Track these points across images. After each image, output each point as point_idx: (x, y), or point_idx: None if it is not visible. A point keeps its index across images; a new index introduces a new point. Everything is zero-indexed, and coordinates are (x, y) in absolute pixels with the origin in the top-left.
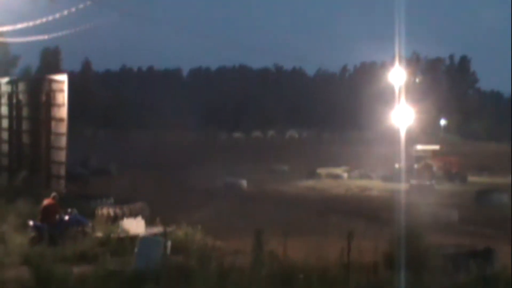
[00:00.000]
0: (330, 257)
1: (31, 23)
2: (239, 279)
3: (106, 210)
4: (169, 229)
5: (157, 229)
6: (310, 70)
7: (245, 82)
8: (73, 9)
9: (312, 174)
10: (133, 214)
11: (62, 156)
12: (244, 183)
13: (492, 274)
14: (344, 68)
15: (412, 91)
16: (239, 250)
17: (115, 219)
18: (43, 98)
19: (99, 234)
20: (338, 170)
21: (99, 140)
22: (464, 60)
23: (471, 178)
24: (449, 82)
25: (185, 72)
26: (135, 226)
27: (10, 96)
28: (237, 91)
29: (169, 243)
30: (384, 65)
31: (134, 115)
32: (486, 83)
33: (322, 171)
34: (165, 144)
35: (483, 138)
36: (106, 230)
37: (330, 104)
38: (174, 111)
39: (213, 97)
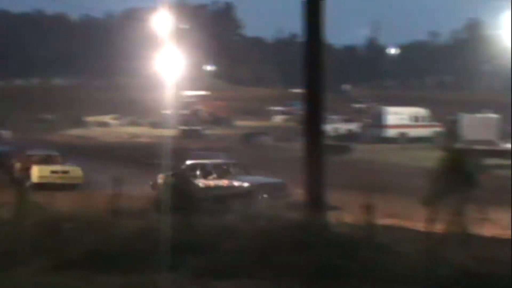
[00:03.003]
0: (99, 206)
1: None
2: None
3: None
4: None
5: None
6: (74, 16)
7: (4, 28)
8: None
9: (80, 123)
10: None
11: None
12: (6, 133)
13: (255, 212)
14: (110, 14)
15: (178, 37)
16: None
17: None
18: None
19: None
20: (106, 118)
21: None
22: (229, 7)
23: (238, 122)
24: (215, 28)
25: None
26: None
27: None
28: None
29: None
30: (150, 11)
31: None
32: (250, 29)
33: (90, 119)
34: None
35: (248, 83)
36: None
37: (97, 51)
38: None
39: None
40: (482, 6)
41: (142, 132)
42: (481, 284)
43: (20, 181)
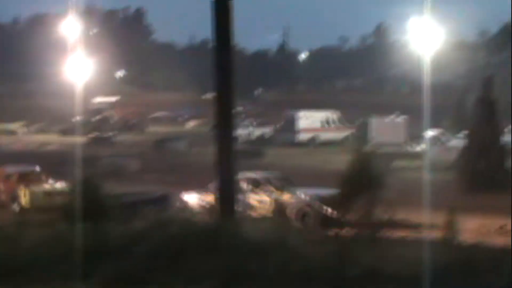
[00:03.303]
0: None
1: None
2: None
3: None
4: None
5: None
6: None
7: None
8: None
9: None
10: None
11: None
12: None
13: (167, 217)
14: (17, 19)
15: (88, 42)
16: None
17: None
18: None
19: None
20: (13, 126)
21: None
22: (140, 13)
23: (150, 128)
24: (126, 34)
25: None
26: None
27: None
28: None
29: None
30: (59, 16)
31: None
32: (162, 35)
33: None
34: None
35: (160, 89)
36: None
37: (3, 56)
38: None
39: None
40: (389, 13)
41: (51, 140)
42: (386, 284)
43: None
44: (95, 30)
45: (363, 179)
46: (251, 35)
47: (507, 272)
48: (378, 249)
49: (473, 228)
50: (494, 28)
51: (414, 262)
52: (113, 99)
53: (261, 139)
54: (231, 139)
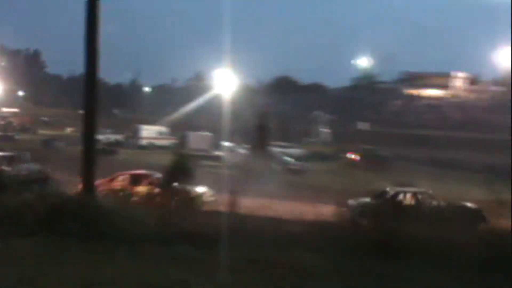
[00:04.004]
0: None
1: None
2: None
3: None
4: None
5: None
6: None
7: None
8: None
9: None
10: None
11: None
12: None
13: (48, 191)
14: None
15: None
16: None
17: None
18: None
19: None
20: None
21: None
22: (37, 52)
23: (40, 131)
24: (26, 66)
25: None
26: None
27: None
28: None
29: None
30: None
31: None
32: (53, 68)
33: None
34: None
35: (49, 105)
36: None
37: None
38: None
39: None
40: (205, 64)
41: None
42: (192, 239)
43: None
44: (3, 63)
45: (180, 170)
46: (113, 71)
47: (267, 234)
48: (190, 216)
49: (247, 205)
50: (269, 78)
51: (215, 226)
52: (15, 110)
53: (115, 143)
54: (94, 141)
